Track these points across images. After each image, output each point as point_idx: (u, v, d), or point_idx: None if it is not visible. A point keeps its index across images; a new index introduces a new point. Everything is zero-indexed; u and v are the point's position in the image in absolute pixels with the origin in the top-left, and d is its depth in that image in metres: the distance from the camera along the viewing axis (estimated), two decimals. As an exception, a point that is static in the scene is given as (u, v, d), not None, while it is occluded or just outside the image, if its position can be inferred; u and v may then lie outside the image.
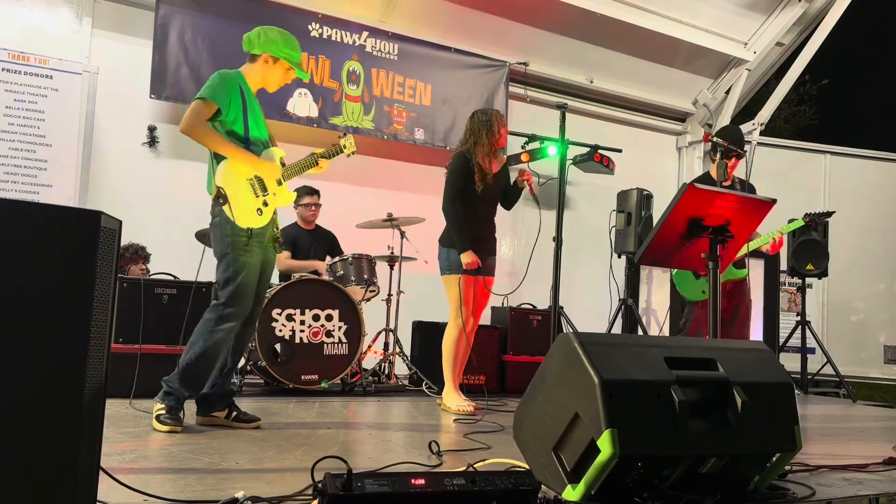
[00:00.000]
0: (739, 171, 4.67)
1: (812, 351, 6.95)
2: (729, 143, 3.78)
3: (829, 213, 4.84)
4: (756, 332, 6.77)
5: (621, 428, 1.88)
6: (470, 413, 4.08)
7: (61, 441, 1.44)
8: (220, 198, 3.07)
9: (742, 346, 2.35)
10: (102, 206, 5.42)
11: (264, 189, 3.19)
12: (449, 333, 4.24)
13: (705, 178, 4.49)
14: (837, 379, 6.79)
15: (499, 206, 4.45)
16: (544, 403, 2.13)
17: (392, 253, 5.51)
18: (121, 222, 1.55)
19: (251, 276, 3.13)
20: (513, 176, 4.40)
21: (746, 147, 7.74)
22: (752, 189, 4.51)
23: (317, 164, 3.41)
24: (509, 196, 4.43)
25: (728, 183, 4.41)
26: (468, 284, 4.18)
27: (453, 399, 4.22)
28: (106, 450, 2.52)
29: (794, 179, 8.28)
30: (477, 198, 4.20)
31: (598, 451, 1.90)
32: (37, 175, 5.32)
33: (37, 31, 5.53)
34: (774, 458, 2.23)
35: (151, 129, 5.84)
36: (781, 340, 7.05)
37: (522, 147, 4.33)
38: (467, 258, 4.10)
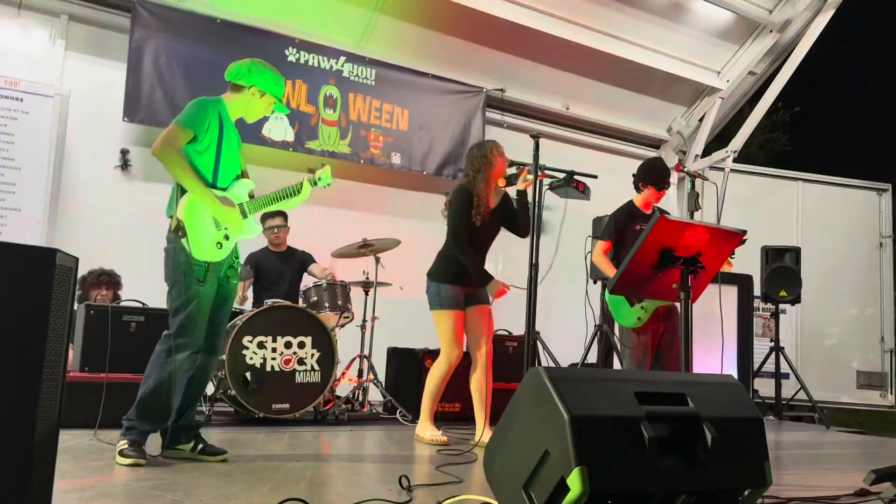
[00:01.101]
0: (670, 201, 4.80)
1: (786, 376, 6.99)
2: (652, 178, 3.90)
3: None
4: (730, 358, 6.80)
5: (591, 465, 1.86)
6: (444, 443, 4.03)
7: (12, 483, 1.39)
8: (178, 229, 3.04)
9: (712, 379, 2.35)
10: (72, 230, 5.41)
11: (227, 222, 3.15)
12: (437, 368, 4.18)
13: (628, 206, 4.59)
14: (811, 404, 6.83)
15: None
16: (515, 439, 2.10)
17: (367, 278, 5.48)
18: (77, 259, 1.51)
19: (203, 306, 3.07)
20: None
21: (719, 174, 7.88)
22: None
23: (288, 197, 3.36)
24: (515, 218, 4.24)
25: (648, 212, 4.56)
26: (454, 320, 4.12)
27: (427, 429, 4.17)
28: (65, 486, 2.45)
29: (767, 206, 8.38)
30: (475, 231, 4.14)
31: (568, 488, 1.87)
32: (4, 199, 5.22)
33: (8, 53, 5.46)
34: (745, 494, 2.21)
35: (124, 153, 5.77)
36: (756, 366, 7.09)
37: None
38: (495, 287, 4.08)
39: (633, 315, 4.30)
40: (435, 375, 4.19)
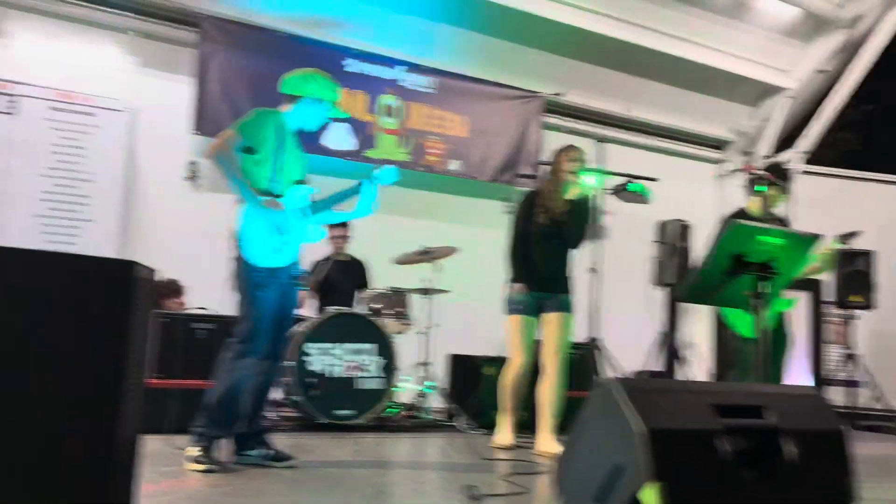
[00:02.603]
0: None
1: (859, 384, 6.71)
2: (774, 178, 3.69)
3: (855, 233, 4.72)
4: (801, 366, 6.57)
5: (666, 480, 1.80)
6: (504, 447, 4.08)
7: (94, 490, 1.43)
8: (238, 237, 3.11)
9: (792, 391, 2.26)
10: (143, 240, 5.58)
11: (287, 228, 3.20)
12: (503, 373, 4.20)
13: (740, 213, 4.38)
14: (888, 413, 6.53)
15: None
16: (585, 452, 2.06)
17: (427, 285, 5.49)
18: (154, 270, 1.54)
19: (267, 314, 3.12)
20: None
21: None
22: (786, 226, 4.39)
23: (346, 197, 3.40)
24: (568, 227, 4.15)
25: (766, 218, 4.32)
26: (516, 325, 4.11)
27: (498, 434, 4.20)
28: (142, 490, 2.51)
29: (838, 208, 8.06)
30: (542, 234, 4.12)
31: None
32: (79, 211, 5.43)
33: (82, 71, 5.68)
34: (828, 511, 2.12)
35: (192, 165, 5.93)
36: (828, 374, 6.82)
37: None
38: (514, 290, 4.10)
39: (751, 322, 4.17)
40: (501, 382, 4.20)
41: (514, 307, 4.11)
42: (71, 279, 1.41)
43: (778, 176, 4.04)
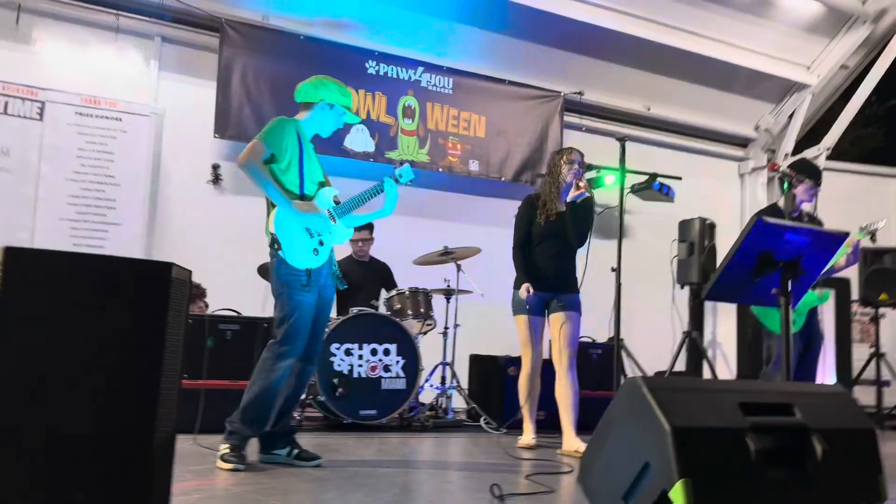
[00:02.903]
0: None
1: (888, 384, 6.62)
2: (802, 175, 3.68)
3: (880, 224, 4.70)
4: (828, 365, 6.50)
5: (695, 478, 1.80)
6: (526, 446, 4.10)
7: (133, 487, 1.46)
8: (274, 243, 3.15)
9: (820, 389, 2.25)
10: (168, 242, 5.66)
11: (320, 229, 3.24)
12: (520, 373, 4.24)
13: (772, 209, 4.35)
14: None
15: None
16: (612, 450, 2.06)
17: (448, 286, 5.50)
18: (190, 272, 1.57)
19: (306, 315, 3.17)
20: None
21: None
22: (818, 223, 4.37)
23: (381, 190, 3.44)
24: (569, 227, 4.16)
25: (795, 215, 4.28)
26: (523, 325, 4.17)
27: (524, 433, 4.21)
28: (172, 490, 2.55)
29: (864, 205, 7.96)
30: (543, 234, 4.17)
31: (670, 501, 1.82)
32: (106, 214, 5.52)
33: (107, 76, 5.77)
34: (859, 510, 2.10)
35: (215, 168, 6.00)
36: (855, 373, 6.74)
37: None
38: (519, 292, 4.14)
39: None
40: (519, 380, 4.24)
41: (519, 308, 4.16)
42: (111, 281, 1.45)
43: (801, 171, 4.03)
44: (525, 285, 4.08)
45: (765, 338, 4.35)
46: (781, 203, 4.25)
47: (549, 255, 4.19)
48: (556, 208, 4.19)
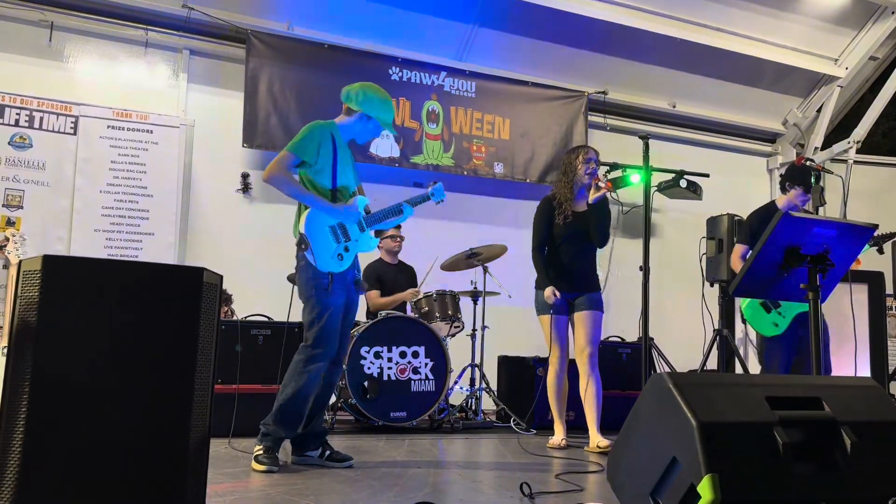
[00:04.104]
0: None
1: (924, 380, 6.48)
2: (792, 182, 3.75)
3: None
4: (862, 360, 6.38)
5: (722, 472, 1.81)
6: (556, 446, 4.14)
7: (168, 489, 1.51)
8: (302, 243, 3.21)
9: (849, 382, 2.23)
10: (200, 250, 5.78)
11: (346, 235, 3.29)
12: (548, 372, 4.26)
13: (767, 206, 4.34)
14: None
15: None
16: (640, 446, 2.07)
17: (475, 288, 5.53)
18: (221, 277, 1.62)
19: (334, 318, 3.22)
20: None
21: (841, 166, 7.45)
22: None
23: (401, 211, 3.48)
24: (592, 227, 4.19)
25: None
26: (547, 325, 4.19)
27: (555, 433, 4.25)
28: (207, 491, 2.61)
29: (893, 198, 7.83)
30: (563, 235, 4.18)
31: (698, 496, 1.83)
32: (140, 224, 5.65)
33: (137, 89, 5.91)
34: (890, 503, 2.08)
35: (244, 177, 6.11)
36: (891, 368, 6.61)
37: (604, 176, 4.31)
38: (544, 295, 4.15)
39: (769, 321, 4.13)
40: (547, 380, 4.27)
41: (543, 308, 4.18)
42: (143, 286, 1.50)
43: (791, 178, 4.10)
44: (550, 288, 4.10)
45: (757, 340, 4.32)
46: (780, 201, 4.24)
47: (570, 255, 4.20)
48: (574, 208, 4.19)
